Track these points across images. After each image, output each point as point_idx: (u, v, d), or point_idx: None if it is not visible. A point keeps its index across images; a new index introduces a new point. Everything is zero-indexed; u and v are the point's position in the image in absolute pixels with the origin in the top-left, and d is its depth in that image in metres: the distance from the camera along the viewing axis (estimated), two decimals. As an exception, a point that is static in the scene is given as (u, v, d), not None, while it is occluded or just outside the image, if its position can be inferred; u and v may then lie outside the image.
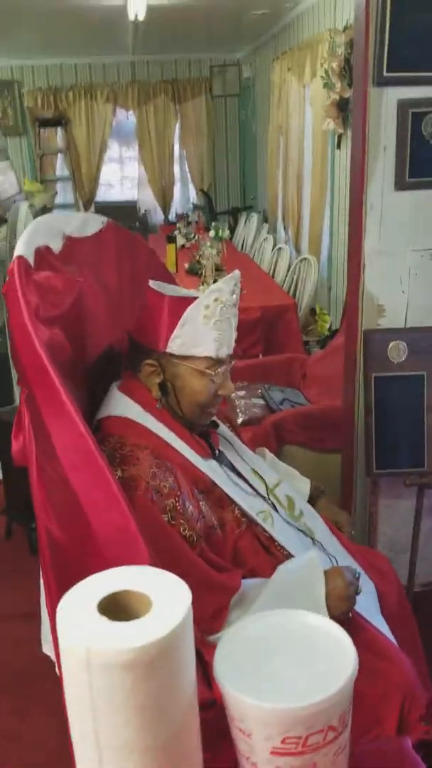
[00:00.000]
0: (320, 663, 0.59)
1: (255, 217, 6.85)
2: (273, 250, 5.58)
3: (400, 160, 2.10)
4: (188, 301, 1.35)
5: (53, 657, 1.25)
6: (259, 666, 0.59)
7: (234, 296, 1.38)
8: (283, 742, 0.55)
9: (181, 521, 1.24)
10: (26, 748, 1.97)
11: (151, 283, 1.41)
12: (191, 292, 1.41)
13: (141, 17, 4.74)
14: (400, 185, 2.12)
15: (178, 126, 8.07)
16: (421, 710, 1.09)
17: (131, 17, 4.77)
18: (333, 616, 1.29)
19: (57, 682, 1.15)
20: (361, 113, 2.05)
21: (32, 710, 2.09)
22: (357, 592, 1.36)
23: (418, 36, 1.97)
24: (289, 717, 0.54)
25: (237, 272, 1.41)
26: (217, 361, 1.37)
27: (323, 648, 0.61)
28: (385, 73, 1.99)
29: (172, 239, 4.76)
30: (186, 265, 4.66)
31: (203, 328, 1.34)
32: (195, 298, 1.36)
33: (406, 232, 2.17)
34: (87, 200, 8.01)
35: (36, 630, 1.45)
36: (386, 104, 2.04)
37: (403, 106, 2.04)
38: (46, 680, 2.14)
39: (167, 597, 0.56)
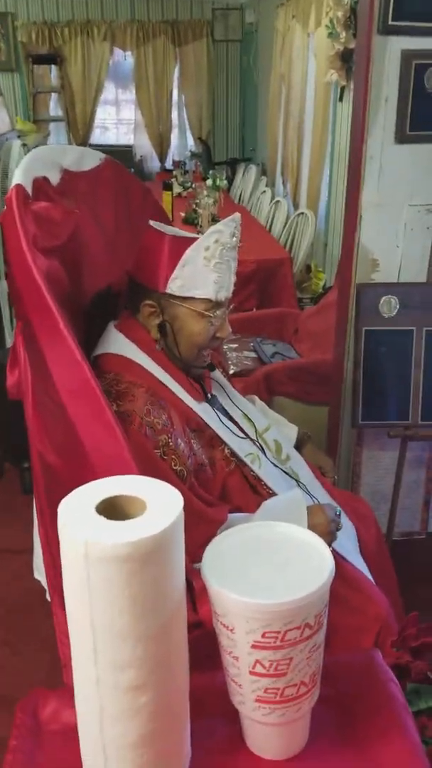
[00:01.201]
0: (300, 567, 0.63)
1: (253, 169, 6.77)
2: (271, 203, 5.53)
3: (402, 112, 2.09)
4: (188, 241, 1.36)
5: (44, 583, 1.31)
6: (244, 568, 0.64)
7: (234, 239, 1.39)
8: (263, 636, 0.60)
9: (173, 456, 1.28)
10: (15, 678, 2.04)
11: (152, 223, 1.42)
12: (191, 234, 1.42)
13: None
14: (401, 138, 2.12)
15: (177, 70, 7.87)
16: (393, 637, 1.15)
17: None
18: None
19: (49, 615, 1.20)
20: (364, 62, 2.03)
21: (24, 643, 2.17)
22: (337, 529, 1.41)
23: (425, -15, 1.94)
24: (270, 612, 0.59)
25: (237, 215, 1.42)
26: (216, 304, 1.38)
27: (303, 555, 0.65)
28: (390, 22, 1.97)
29: (168, 186, 4.71)
30: (182, 214, 4.62)
31: (203, 270, 1.35)
32: (195, 239, 1.37)
33: (404, 186, 2.17)
34: (81, 142, 7.84)
35: (28, 564, 1.50)
36: (390, 54, 2.02)
37: (406, 57, 2.02)
38: (39, 612, 2.22)
39: (161, 501, 0.60)
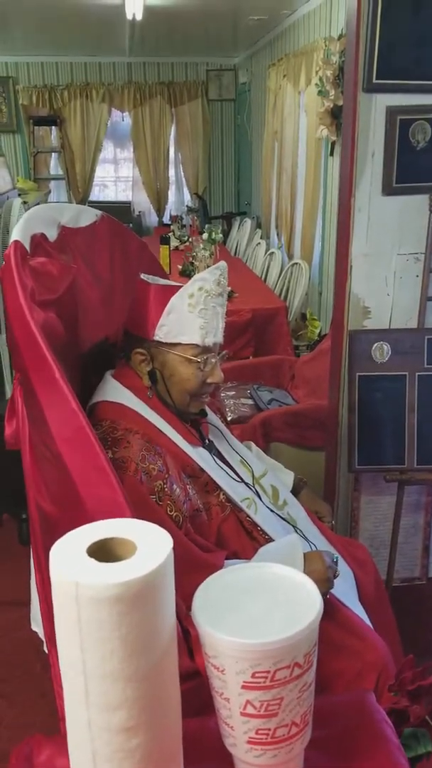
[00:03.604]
0: (288, 607, 0.64)
1: (248, 222, 6.93)
2: (265, 254, 5.65)
3: (388, 165, 2.16)
4: (173, 289, 1.41)
5: (41, 634, 1.30)
6: (233, 608, 0.65)
7: (219, 286, 1.42)
8: (252, 676, 0.61)
9: (168, 502, 1.30)
10: (12, 731, 2.01)
11: (143, 276, 1.46)
12: (175, 282, 1.47)
13: (138, 17, 4.80)
14: (388, 190, 2.19)
15: (173, 128, 8.14)
16: (391, 680, 1.14)
17: (129, 17, 4.82)
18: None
19: (46, 667, 1.20)
20: (351, 119, 2.12)
21: (20, 693, 2.14)
22: (335, 575, 1.41)
23: (407, 45, 2.04)
24: (258, 651, 0.60)
25: (223, 263, 1.46)
26: (204, 349, 1.41)
27: (292, 595, 0.66)
28: (374, 80, 2.06)
29: (165, 240, 4.82)
30: (179, 267, 4.72)
31: (188, 316, 1.39)
32: (179, 287, 1.41)
33: (392, 236, 2.24)
34: (81, 200, 8.06)
35: (25, 616, 1.50)
36: (375, 110, 2.11)
37: (391, 112, 2.11)
38: (35, 664, 2.19)
39: (150, 543, 0.61)
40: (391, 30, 2.01)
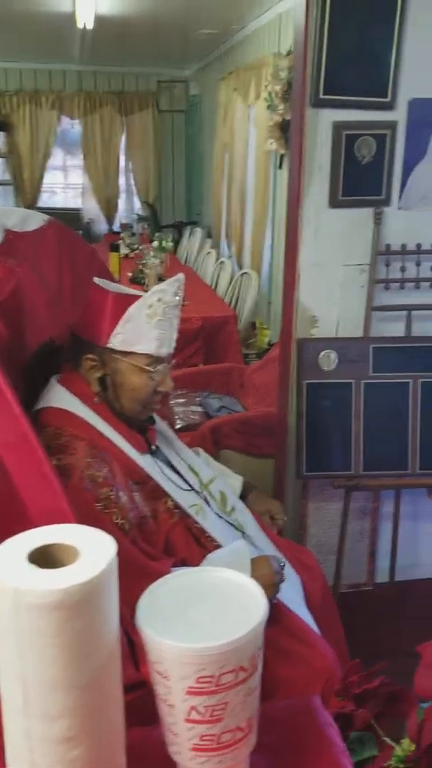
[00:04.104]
0: (233, 611, 0.64)
1: (199, 232, 6.96)
2: (215, 264, 5.68)
3: (335, 179, 2.21)
4: (132, 298, 1.40)
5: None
6: (178, 613, 0.64)
7: (177, 298, 1.43)
8: (197, 681, 0.60)
9: (114, 509, 1.28)
10: None
11: (96, 280, 1.45)
12: (135, 291, 1.46)
13: (89, 26, 4.79)
14: (334, 203, 2.24)
15: (124, 137, 8.12)
16: (337, 686, 1.15)
17: (80, 26, 4.81)
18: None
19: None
20: (298, 133, 2.15)
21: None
22: (281, 580, 1.42)
23: (353, 62, 2.09)
24: (203, 656, 0.59)
25: (181, 275, 1.46)
26: (157, 359, 1.41)
27: (236, 599, 0.66)
28: (321, 95, 2.10)
29: (115, 248, 4.80)
30: (129, 274, 4.71)
31: (145, 326, 1.38)
32: (139, 297, 1.40)
33: (338, 247, 2.28)
34: (28, 206, 7.93)
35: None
36: (322, 125, 2.15)
37: (337, 127, 2.16)
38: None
39: (94, 549, 0.60)
40: (337, 47, 2.05)
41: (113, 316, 1.39)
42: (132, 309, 1.39)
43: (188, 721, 0.63)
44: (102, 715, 0.61)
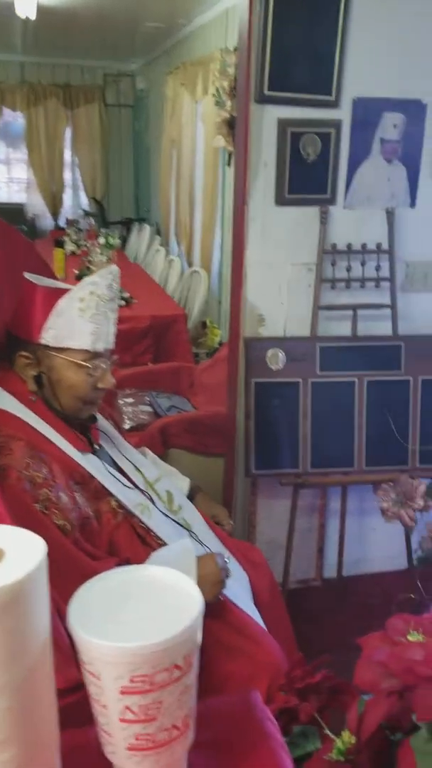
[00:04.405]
0: (168, 609, 0.63)
1: (148, 229, 6.91)
2: (165, 261, 5.66)
3: (280, 177, 2.22)
4: (62, 292, 1.37)
5: None
6: (111, 613, 0.63)
7: (111, 291, 1.40)
8: (131, 680, 0.59)
9: (54, 510, 1.26)
10: None
11: (27, 275, 1.42)
12: (65, 285, 1.43)
13: (32, 17, 4.69)
14: (280, 201, 2.24)
15: (69, 131, 8.01)
16: (281, 680, 1.15)
17: (21, 16, 4.70)
18: (205, 600, 1.35)
19: None
20: (244, 129, 2.16)
21: None
22: (227, 576, 1.42)
23: (297, 59, 2.10)
24: (137, 655, 0.58)
25: (114, 267, 1.44)
26: (94, 354, 1.39)
27: (172, 597, 0.65)
28: (266, 92, 2.11)
29: (60, 244, 4.72)
30: (76, 272, 4.64)
31: (78, 321, 1.36)
32: (68, 290, 1.38)
33: (285, 246, 2.29)
34: (-31, 199, 7.77)
35: None
36: (267, 122, 2.16)
37: (282, 124, 2.16)
38: None
39: (21, 550, 0.59)
40: (282, 43, 2.06)
41: (43, 311, 1.36)
42: (62, 303, 1.36)
43: (122, 720, 0.62)
44: (34, 717, 0.59)
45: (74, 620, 0.61)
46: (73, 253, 5.33)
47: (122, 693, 0.59)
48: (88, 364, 1.38)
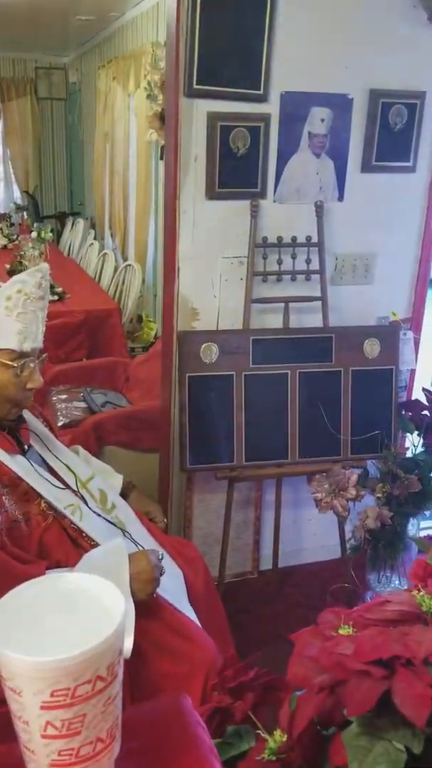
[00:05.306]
0: (89, 619, 0.61)
1: (82, 223, 6.80)
2: (98, 255, 5.57)
3: (211, 170, 2.20)
4: None
5: None
6: (30, 625, 0.61)
7: (40, 289, 1.37)
8: (52, 695, 0.57)
9: (-20, 515, 1.21)
10: None
11: None
12: None
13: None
14: (211, 194, 2.23)
15: (0, 125, 7.80)
16: (215, 679, 1.15)
17: None
18: (139, 599, 1.33)
19: None
20: (173, 123, 2.13)
21: None
22: (161, 573, 1.40)
23: (226, 53, 2.09)
24: (56, 669, 0.56)
25: (45, 265, 1.41)
26: (21, 354, 1.35)
27: (94, 605, 0.63)
28: (194, 86, 2.09)
29: (-10, 238, 4.60)
30: (7, 266, 4.52)
31: (5, 319, 1.32)
32: None
33: (216, 239, 2.28)
34: None
35: None
36: (197, 116, 2.14)
37: (212, 118, 2.15)
38: None
39: None
40: (211, 37, 2.04)
41: None
42: None
43: (44, 737, 0.60)
44: None
45: (-11, 635, 0.58)
46: (5, 248, 5.21)
47: (42, 708, 0.57)
48: (14, 364, 1.34)
